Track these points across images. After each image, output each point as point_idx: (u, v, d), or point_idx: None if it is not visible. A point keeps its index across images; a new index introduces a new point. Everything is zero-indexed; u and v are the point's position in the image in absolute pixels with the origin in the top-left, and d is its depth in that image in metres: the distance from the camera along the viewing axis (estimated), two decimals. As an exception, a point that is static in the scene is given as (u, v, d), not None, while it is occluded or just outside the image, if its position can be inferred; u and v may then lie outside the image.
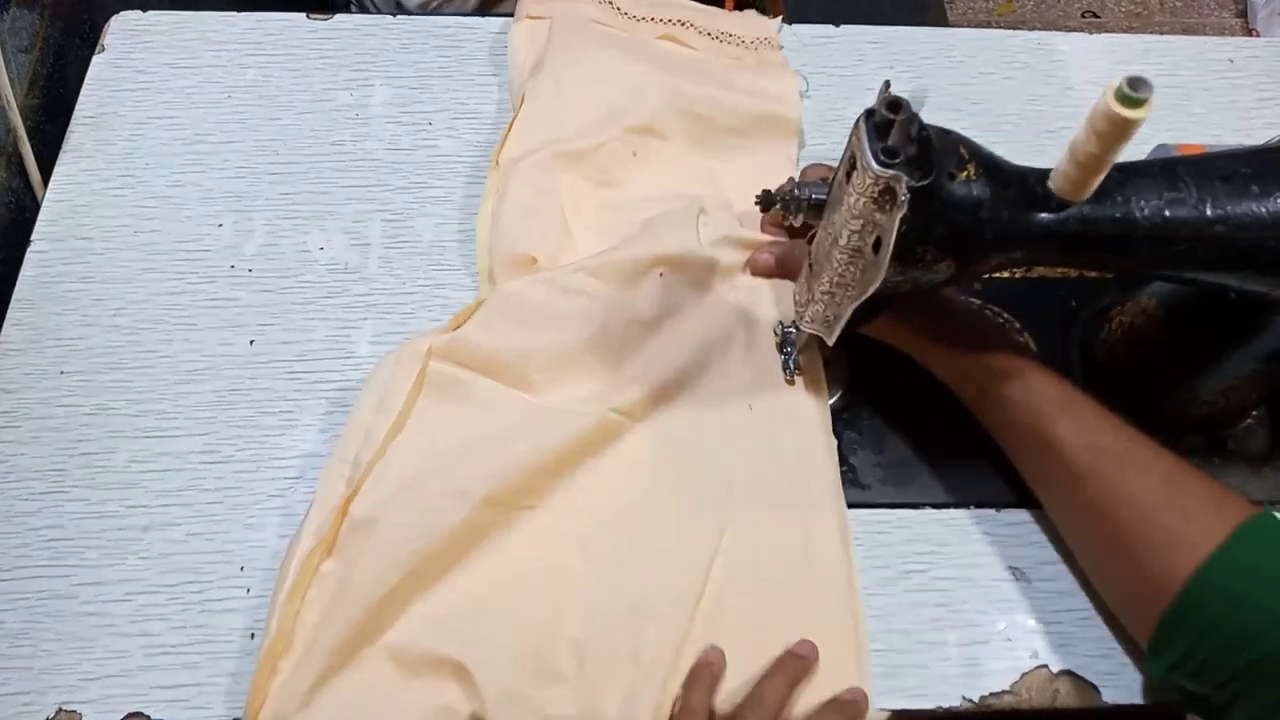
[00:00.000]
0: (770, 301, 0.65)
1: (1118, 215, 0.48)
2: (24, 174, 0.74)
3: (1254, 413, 0.63)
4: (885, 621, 0.57)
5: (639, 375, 0.61)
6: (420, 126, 0.75)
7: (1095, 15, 1.91)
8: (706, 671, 0.53)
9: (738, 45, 0.78)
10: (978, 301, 0.67)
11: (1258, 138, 0.60)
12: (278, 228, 0.70)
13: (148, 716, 0.54)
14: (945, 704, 0.55)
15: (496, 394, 0.60)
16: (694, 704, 0.52)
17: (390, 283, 0.68)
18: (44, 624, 0.56)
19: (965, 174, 0.48)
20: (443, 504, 0.55)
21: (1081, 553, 0.57)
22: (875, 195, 0.47)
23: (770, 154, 0.73)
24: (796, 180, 0.58)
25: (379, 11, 1.14)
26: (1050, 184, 0.48)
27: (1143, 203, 0.48)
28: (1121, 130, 0.43)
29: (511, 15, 0.79)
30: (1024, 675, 0.56)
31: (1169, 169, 0.49)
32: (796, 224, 0.59)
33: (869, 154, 0.46)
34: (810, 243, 0.56)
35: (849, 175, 0.49)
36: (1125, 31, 1.78)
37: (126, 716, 0.54)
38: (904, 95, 0.46)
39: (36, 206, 0.71)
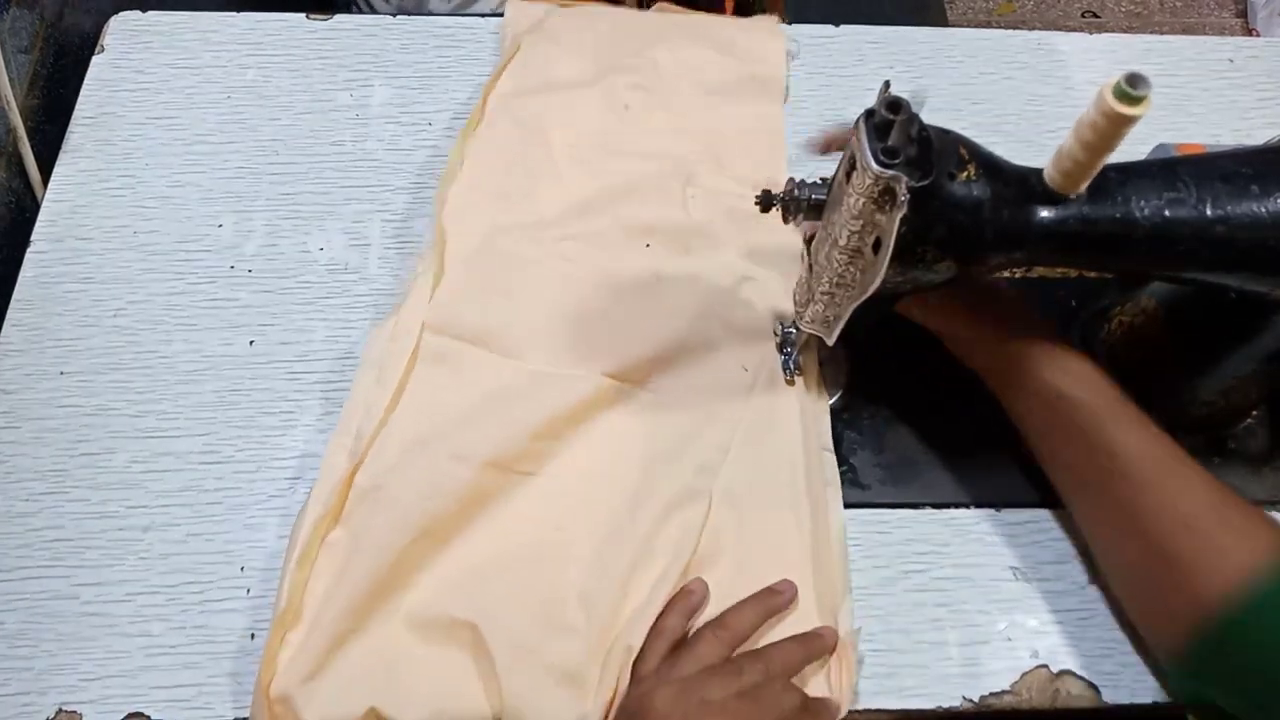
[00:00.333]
0: (761, 267, 0.67)
1: (1118, 215, 0.48)
2: (24, 174, 0.74)
3: (1254, 413, 0.63)
4: (885, 621, 0.57)
5: (632, 341, 0.62)
6: (420, 127, 0.75)
7: (1095, 15, 1.91)
8: (686, 599, 0.55)
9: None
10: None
11: (1258, 138, 0.60)
12: (278, 228, 0.70)
13: (148, 717, 0.54)
14: (945, 704, 0.55)
15: (491, 363, 0.62)
16: (667, 625, 0.53)
17: (390, 283, 0.68)
18: (44, 624, 0.56)
19: (965, 174, 0.48)
20: (445, 468, 0.57)
21: (1109, 557, 0.56)
22: (875, 195, 0.47)
23: (756, 114, 0.75)
24: (796, 180, 0.58)
25: (379, 12, 1.13)
26: (1045, 176, 0.48)
27: (1143, 203, 0.48)
28: (1118, 126, 0.43)
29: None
30: (1024, 675, 0.56)
31: (1169, 169, 0.49)
32: (797, 224, 0.59)
33: (869, 154, 0.46)
34: (810, 242, 0.57)
35: (849, 175, 0.49)
36: (1125, 31, 1.78)
37: (127, 717, 0.54)
38: (904, 95, 0.46)
39: (36, 207, 0.71)
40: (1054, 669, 0.56)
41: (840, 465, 0.61)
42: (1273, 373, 0.58)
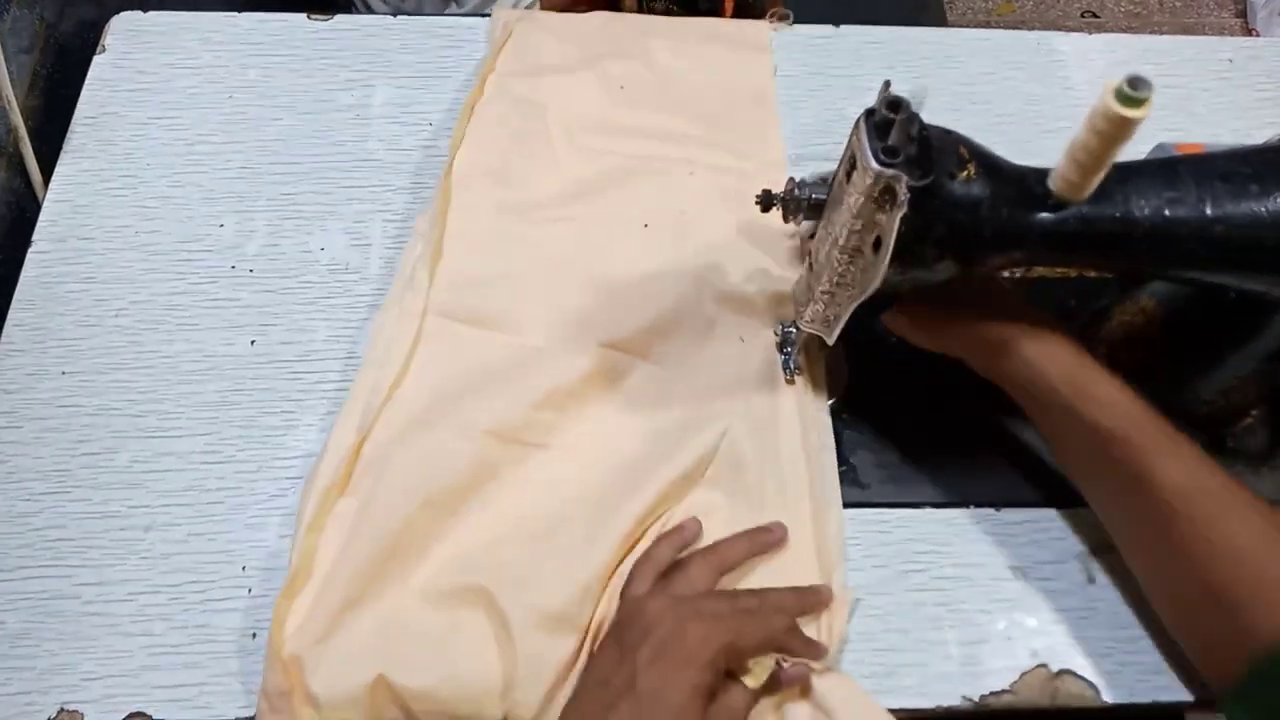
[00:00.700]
0: (757, 251, 0.68)
1: (1117, 215, 0.48)
2: (25, 174, 0.74)
3: (1254, 412, 0.63)
4: (885, 621, 0.57)
5: (631, 314, 0.64)
6: (421, 127, 0.75)
7: (1095, 15, 1.91)
8: (679, 533, 0.56)
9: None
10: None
11: (1257, 138, 0.60)
12: (279, 228, 0.70)
13: (149, 716, 0.54)
14: (945, 703, 0.55)
15: (493, 340, 0.63)
16: (656, 555, 0.55)
17: (391, 283, 0.68)
18: (46, 624, 0.56)
19: (965, 173, 0.48)
20: (450, 437, 0.58)
21: (1157, 588, 0.55)
22: (875, 195, 0.47)
23: (750, 90, 0.76)
24: (796, 180, 0.58)
25: (378, 12, 1.14)
26: (1050, 184, 0.48)
27: (1142, 202, 0.48)
28: (1121, 130, 0.43)
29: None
30: (1024, 675, 0.56)
31: (1169, 169, 0.49)
32: (797, 224, 0.60)
33: (869, 153, 0.46)
34: (810, 242, 0.57)
35: (849, 175, 0.49)
36: (1125, 31, 1.78)
37: (128, 716, 0.54)
38: (904, 95, 0.46)
39: (38, 207, 0.71)
40: (1053, 668, 0.56)
41: (840, 465, 0.61)
42: (1272, 372, 0.58)
